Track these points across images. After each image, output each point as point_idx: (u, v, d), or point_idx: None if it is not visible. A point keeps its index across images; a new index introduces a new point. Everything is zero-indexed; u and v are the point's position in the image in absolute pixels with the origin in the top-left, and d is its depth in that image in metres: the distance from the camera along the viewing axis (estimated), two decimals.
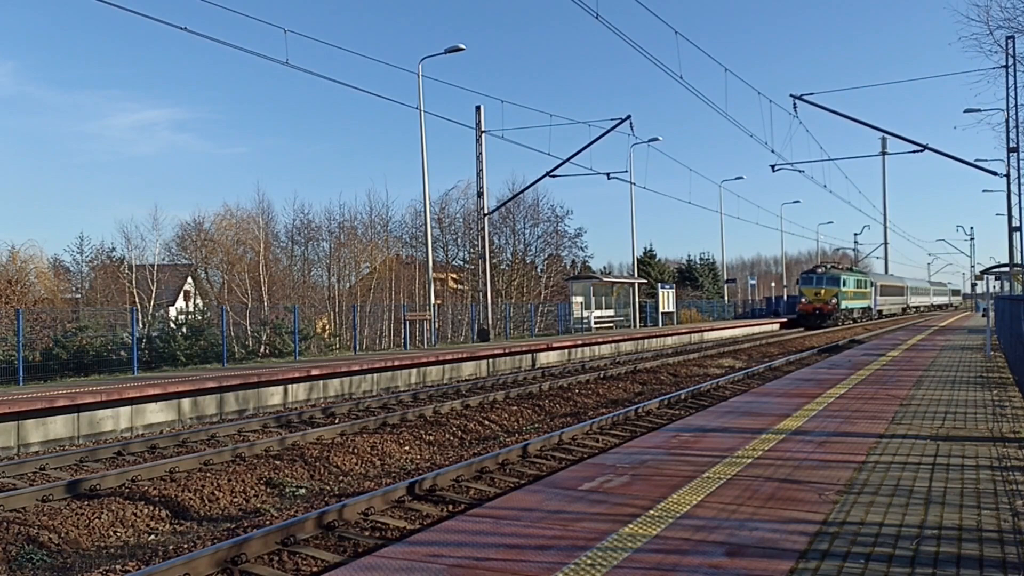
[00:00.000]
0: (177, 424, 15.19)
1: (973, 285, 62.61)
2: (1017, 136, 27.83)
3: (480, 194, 33.10)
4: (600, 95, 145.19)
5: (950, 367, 17.80)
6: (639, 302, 46.75)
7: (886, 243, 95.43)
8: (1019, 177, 28.40)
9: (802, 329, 51.28)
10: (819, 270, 54.93)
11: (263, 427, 14.53)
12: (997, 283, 36.15)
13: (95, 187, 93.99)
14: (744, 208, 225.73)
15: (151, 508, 9.20)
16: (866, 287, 59.50)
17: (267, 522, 8.37)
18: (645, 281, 52.45)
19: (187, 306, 44.29)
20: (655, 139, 42.03)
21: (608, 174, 35.38)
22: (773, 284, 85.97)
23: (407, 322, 28.52)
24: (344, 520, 7.95)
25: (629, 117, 32.24)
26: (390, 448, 12.65)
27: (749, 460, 7.73)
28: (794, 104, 27.70)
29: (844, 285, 53.51)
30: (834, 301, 52.27)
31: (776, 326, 54.64)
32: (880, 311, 65.83)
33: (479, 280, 34.09)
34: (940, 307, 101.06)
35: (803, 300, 53.89)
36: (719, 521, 5.62)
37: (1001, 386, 14.03)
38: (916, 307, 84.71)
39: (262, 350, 27.05)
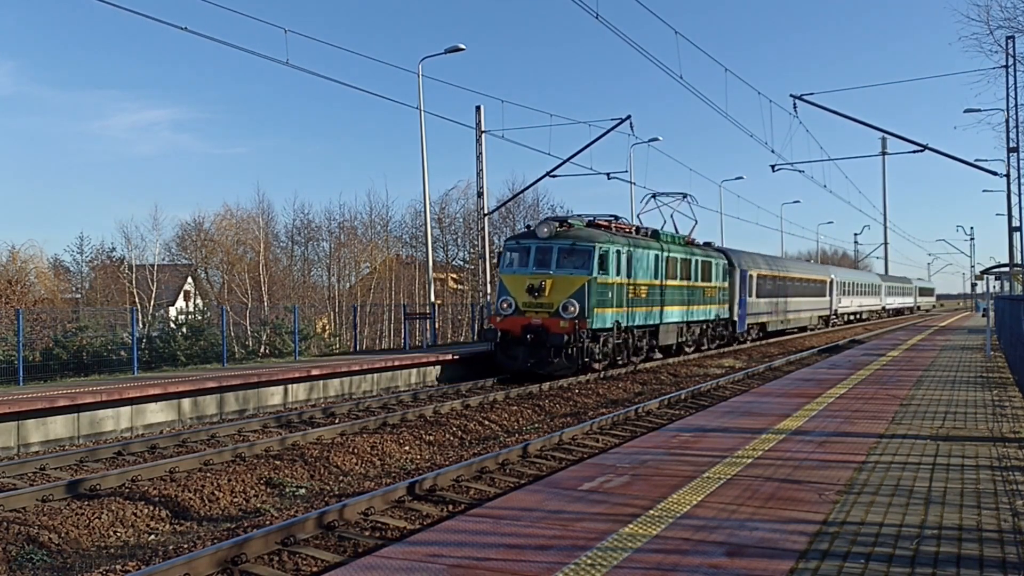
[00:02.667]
0: (177, 424, 15.19)
1: (973, 285, 61.89)
2: (1017, 136, 27.83)
3: (480, 194, 33.09)
4: (600, 95, 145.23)
5: (950, 367, 17.81)
6: None
7: (886, 243, 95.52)
8: (1019, 177, 28.40)
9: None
10: (543, 231, 20.96)
11: (263, 427, 14.53)
12: (997, 283, 36.17)
13: (95, 187, 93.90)
14: (744, 208, 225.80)
15: (151, 508, 9.19)
16: (711, 277, 28.64)
17: (267, 522, 8.37)
18: None
19: (187, 306, 44.35)
20: (655, 139, 41.85)
21: (608, 174, 35.30)
22: None
23: (407, 322, 28.52)
24: (344, 520, 7.95)
25: (629, 117, 32.11)
26: (390, 448, 12.65)
27: (749, 460, 7.73)
28: (794, 104, 27.60)
29: (605, 268, 20.89)
30: (573, 308, 19.89)
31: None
32: (761, 325, 35.02)
33: (479, 280, 34.09)
34: (899, 312, 73.30)
35: (503, 304, 20.75)
36: (719, 521, 5.62)
37: (1001, 386, 14.03)
38: (855, 314, 54.40)
39: (262, 350, 27.09)
